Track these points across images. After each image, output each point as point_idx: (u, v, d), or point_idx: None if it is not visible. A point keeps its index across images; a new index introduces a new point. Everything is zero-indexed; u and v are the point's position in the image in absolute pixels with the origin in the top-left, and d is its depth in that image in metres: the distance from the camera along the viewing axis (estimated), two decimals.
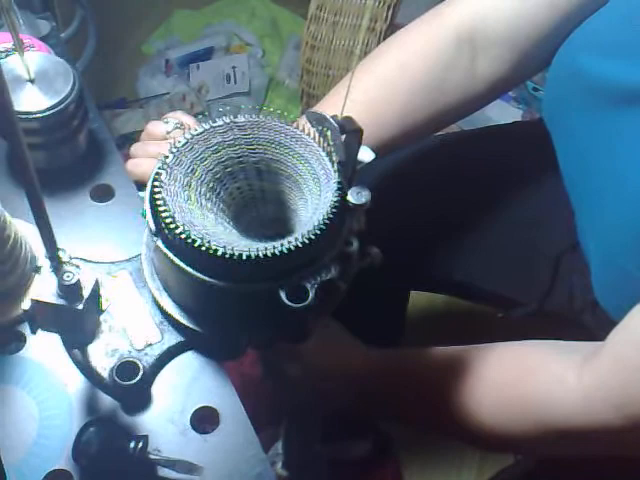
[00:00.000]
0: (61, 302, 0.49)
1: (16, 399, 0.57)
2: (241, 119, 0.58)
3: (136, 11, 1.94)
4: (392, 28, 1.47)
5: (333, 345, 0.71)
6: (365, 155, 0.57)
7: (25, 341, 0.60)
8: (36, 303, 0.49)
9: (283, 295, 0.51)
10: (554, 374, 0.64)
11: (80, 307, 0.49)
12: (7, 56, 0.69)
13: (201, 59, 1.87)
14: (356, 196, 0.54)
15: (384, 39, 1.36)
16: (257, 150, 0.58)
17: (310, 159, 0.57)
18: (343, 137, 0.55)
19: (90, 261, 0.62)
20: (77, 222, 0.68)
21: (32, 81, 0.66)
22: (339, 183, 0.54)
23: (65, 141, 0.68)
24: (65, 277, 0.49)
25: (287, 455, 0.83)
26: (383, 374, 0.72)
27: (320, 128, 0.56)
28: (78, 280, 0.49)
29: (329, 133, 0.55)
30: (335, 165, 0.55)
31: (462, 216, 0.92)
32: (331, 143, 0.56)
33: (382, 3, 1.34)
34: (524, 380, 0.66)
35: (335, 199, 0.53)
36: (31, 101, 0.65)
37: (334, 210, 0.53)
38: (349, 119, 0.55)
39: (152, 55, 1.90)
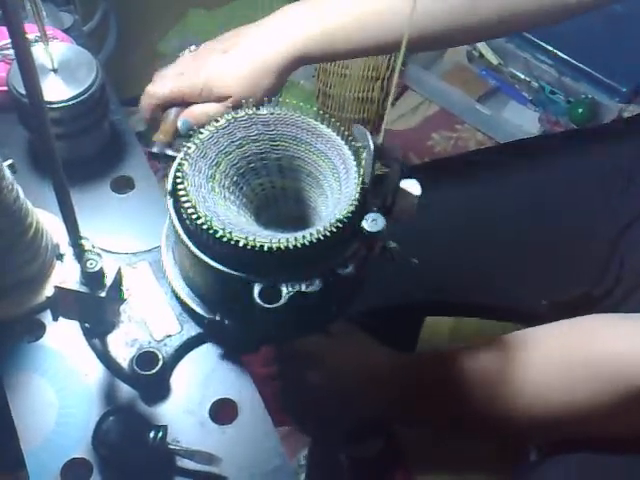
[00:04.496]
0: (84, 289, 0.49)
1: (35, 387, 0.57)
2: (264, 111, 0.58)
3: (152, 10, 1.94)
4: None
5: (358, 349, 0.69)
6: (412, 187, 0.55)
7: (45, 330, 0.60)
8: (59, 290, 0.49)
9: (256, 291, 0.50)
10: (624, 332, 0.60)
11: (103, 295, 0.49)
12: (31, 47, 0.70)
13: None
14: (370, 223, 0.53)
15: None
16: (279, 147, 0.58)
17: (331, 155, 0.57)
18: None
19: (110, 251, 0.62)
20: (97, 213, 0.68)
21: (55, 71, 0.66)
22: (361, 190, 0.53)
23: (87, 132, 0.69)
24: (88, 264, 0.49)
25: (310, 468, 0.82)
26: (418, 374, 0.69)
27: (355, 145, 0.56)
28: (101, 268, 0.49)
29: (365, 154, 0.55)
30: (361, 169, 0.54)
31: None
32: (362, 165, 0.55)
33: None
34: (591, 343, 0.61)
35: (357, 195, 0.53)
36: (54, 91, 0.65)
37: (354, 208, 0.52)
38: (394, 147, 0.54)
39: (168, 54, 1.90)
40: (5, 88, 0.68)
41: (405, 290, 0.84)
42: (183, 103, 0.81)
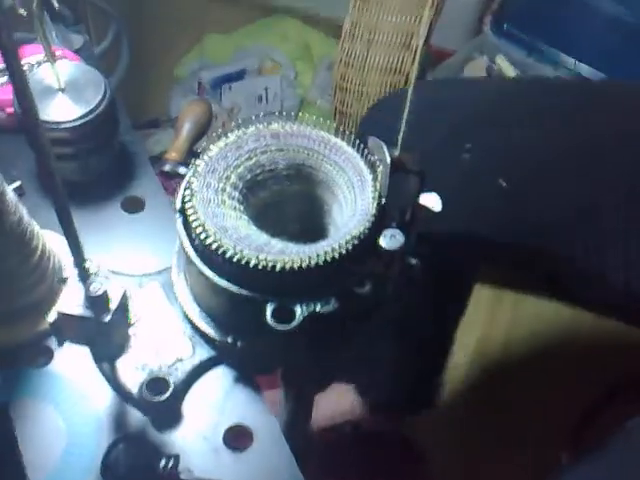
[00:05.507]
0: (88, 314, 0.47)
1: (43, 414, 0.55)
2: (274, 125, 0.56)
3: (169, 34, 1.96)
4: (427, 47, 1.46)
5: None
6: (432, 202, 0.53)
7: (53, 355, 0.58)
8: (62, 315, 0.47)
9: (269, 311, 0.48)
10: None
11: (107, 320, 0.47)
12: (39, 67, 0.69)
13: (234, 80, 1.87)
14: (389, 240, 0.50)
15: (420, 57, 1.34)
16: (288, 156, 0.56)
17: (345, 167, 0.55)
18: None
19: (120, 273, 0.60)
20: (108, 233, 0.66)
21: (62, 90, 0.65)
22: (378, 205, 0.51)
23: (96, 152, 0.67)
24: (92, 288, 0.47)
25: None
26: None
27: (370, 158, 0.54)
28: (105, 291, 0.47)
29: (381, 167, 0.53)
30: (377, 183, 0.52)
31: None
32: (378, 179, 0.52)
33: (418, 20, 1.33)
34: None
35: (373, 211, 0.51)
36: (61, 110, 0.64)
37: (370, 224, 0.50)
38: (412, 158, 0.51)
39: (184, 78, 1.91)
40: (13, 110, 0.67)
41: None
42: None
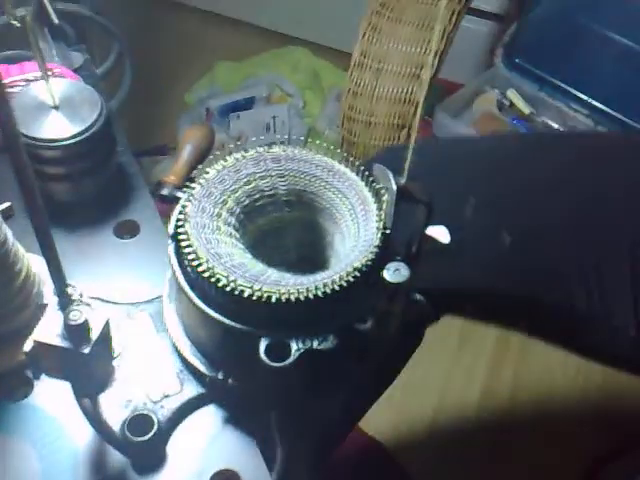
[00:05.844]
0: (66, 345, 0.43)
1: (18, 452, 0.51)
2: (275, 149, 0.54)
3: (179, 62, 1.95)
4: (436, 79, 1.44)
5: None
6: (439, 234, 0.50)
7: (33, 387, 0.54)
8: (38, 345, 0.44)
9: (262, 347, 0.45)
10: None
11: (87, 351, 0.43)
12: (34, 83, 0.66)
13: (242, 109, 1.85)
14: (393, 273, 0.47)
15: (429, 87, 1.31)
16: (289, 181, 0.53)
17: (349, 194, 0.52)
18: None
19: (108, 301, 0.57)
20: (98, 258, 0.63)
21: (57, 107, 0.62)
22: (382, 235, 0.48)
23: (90, 172, 0.64)
24: (71, 316, 0.43)
25: None
26: None
27: (375, 186, 0.51)
28: (86, 320, 0.43)
29: (386, 196, 0.49)
30: (382, 212, 0.49)
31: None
32: (383, 207, 0.50)
33: (428, 51, 1.30)
34: None
35: (377, 242, 0.47)
36: (55, 128, 0.61)
37: (373, 256, 0.46)
38: (419, 187, 0.48)
39: (194, 104, 1.89)
40: None
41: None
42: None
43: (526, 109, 1.68)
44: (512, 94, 1.69)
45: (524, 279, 0.72)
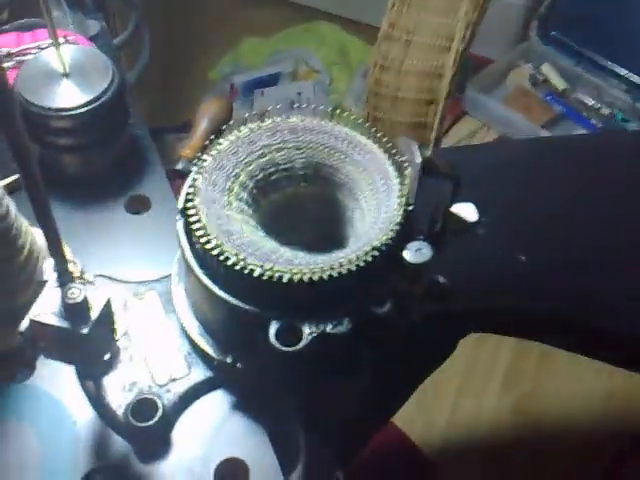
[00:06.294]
0: (63, 324, 0.41)
1: (17, 435, 0.49)
2: (293, 118, 0.50)
3: (204, 38, 1.92)
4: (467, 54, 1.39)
5: None
6: (467, 212, 0.47)
7: (34, 368, 0.52)
8: (35, 324, 0.41)
9: (272, 330, 0.42)
10: None
11: (85, 331, 0.41)
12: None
13: (267, 85, 1.81)
14: (414, 253, 0.43)
15: (460, 60, 1.27)
16: (306, 154, 0.49)
17: (369, 168, 0.48)
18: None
19: (115, 279, 0.54)
20: (108, 234, 0.60)
21: (67, 75, 0.59)
22: (404, 212, 0.45)
23: (101, 143, 0.62)
24: (69, 294, 0.40)
25: None
26: None
27: (398, 159, 0.47)
28: (85, 298, 0.41)
29: (409, 170, 0.46)
30: (404, 187, 0.46)
31: None
32: (405, 182, 0.46)
33: (460, 21, 1.25)
34: None
35: (398, 219, 0.44)
36: (65, 97, 0.59)
37: (394, 234, 0.43)
38: (446, 161, 0.46)
39: (218, 81, 1.86)
40: None
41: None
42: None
43: (561, 85, 1.62)
44: (547, 69, 1.63)
45: (540, 296, 0.68)
